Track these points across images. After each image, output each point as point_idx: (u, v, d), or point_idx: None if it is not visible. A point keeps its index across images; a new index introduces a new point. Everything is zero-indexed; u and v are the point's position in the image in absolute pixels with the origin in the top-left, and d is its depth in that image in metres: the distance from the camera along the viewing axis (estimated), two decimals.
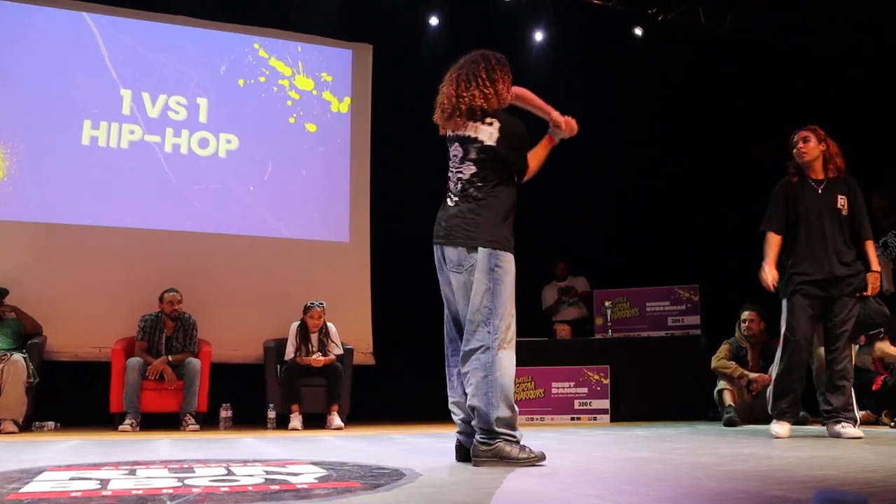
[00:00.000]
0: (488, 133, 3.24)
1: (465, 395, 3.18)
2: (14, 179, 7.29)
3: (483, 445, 3.10)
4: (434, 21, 8.76)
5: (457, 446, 3.36)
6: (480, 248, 3.16)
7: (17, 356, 6.11)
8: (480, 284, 3.15)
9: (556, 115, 3.41)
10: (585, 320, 8.29)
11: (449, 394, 3.36)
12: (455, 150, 3.32)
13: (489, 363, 3.09)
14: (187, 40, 8.13)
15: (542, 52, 8.95)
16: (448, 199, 3.33)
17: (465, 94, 3.28)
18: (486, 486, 2.50)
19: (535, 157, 3.38)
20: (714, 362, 6.44)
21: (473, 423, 3.15)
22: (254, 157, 8.12)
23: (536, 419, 6.98)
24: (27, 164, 7.36)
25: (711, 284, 7.79)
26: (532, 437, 5.07)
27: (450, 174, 3.34)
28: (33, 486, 2.51)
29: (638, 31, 8.92)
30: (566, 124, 3.40)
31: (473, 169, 3.24)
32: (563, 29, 8.92)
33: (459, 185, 3.27)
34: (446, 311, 3.38)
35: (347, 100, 8.59)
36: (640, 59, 8.79)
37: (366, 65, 8.73)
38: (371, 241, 8.28)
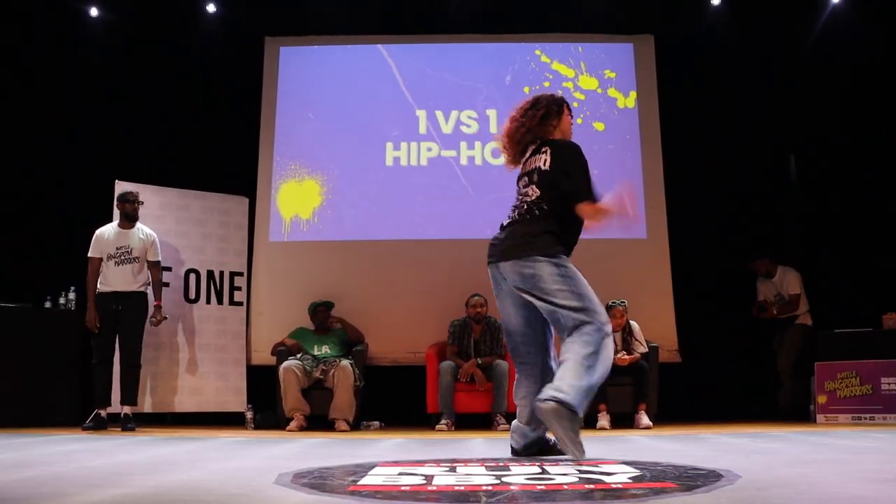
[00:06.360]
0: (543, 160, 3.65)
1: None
2: (331, 203, 8.09)
3: None
4: (716, 0, 8.33)
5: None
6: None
7: (345, 362, 6.74)
8: None
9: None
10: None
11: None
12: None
13: None
14: (471, 56, 8.49)
15: (841, 15, 8.09)
16: None
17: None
18: (814, 491, 2.30)
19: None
20: None
21: None
22: None
23: (864, 418, 6.31)
24: (341, 188, 8.12)
25: None
26: (859, 437, 4.63)
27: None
28: (368, 479, 2.73)
29: None
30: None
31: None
32: None
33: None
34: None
35: (633, 94, 8.43)
36: None
37: (648, 56, 8.50)
38: (669, 236, 8.02)
